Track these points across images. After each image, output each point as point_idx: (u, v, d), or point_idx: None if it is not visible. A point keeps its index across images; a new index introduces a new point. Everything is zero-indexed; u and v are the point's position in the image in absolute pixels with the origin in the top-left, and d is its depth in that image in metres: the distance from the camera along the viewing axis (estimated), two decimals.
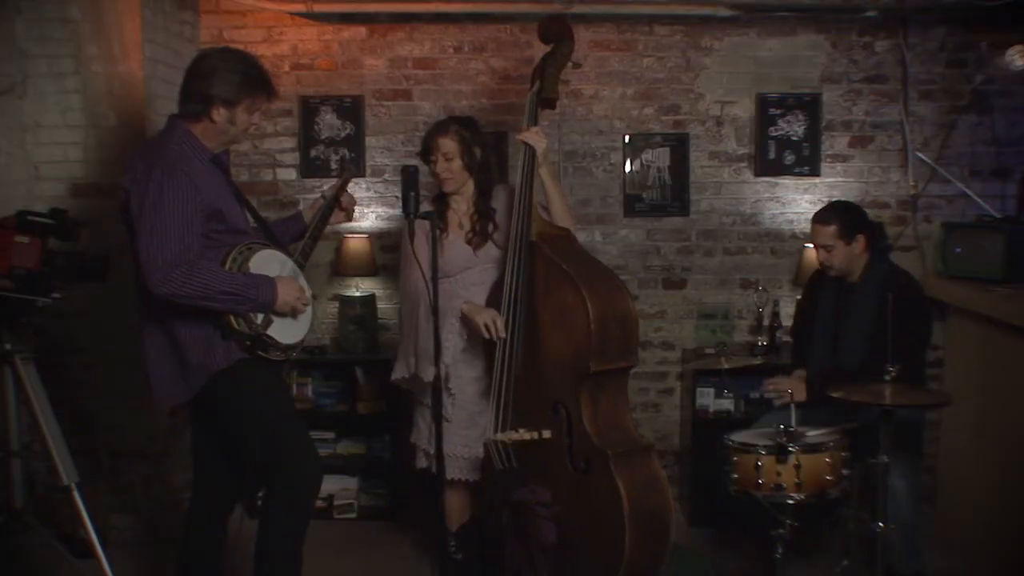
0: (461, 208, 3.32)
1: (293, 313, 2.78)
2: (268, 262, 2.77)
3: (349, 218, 3.16)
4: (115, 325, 3.66)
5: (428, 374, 3.09)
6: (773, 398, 3.41)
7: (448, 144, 3.23)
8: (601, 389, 2.98)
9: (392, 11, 4.28)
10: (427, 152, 3.28)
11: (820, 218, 3.43)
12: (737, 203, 4.39)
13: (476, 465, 3.25)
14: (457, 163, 3.23)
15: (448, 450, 3.20)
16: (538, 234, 3.10)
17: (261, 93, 2.75)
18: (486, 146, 3.35)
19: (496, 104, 4.34)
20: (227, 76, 2.69)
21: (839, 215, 3.42)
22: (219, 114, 2.69)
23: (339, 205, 3.09)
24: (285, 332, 2.77)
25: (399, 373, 3.34)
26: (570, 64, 3.24)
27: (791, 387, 3.32)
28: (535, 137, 3.14)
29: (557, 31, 3.24)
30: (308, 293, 2.85)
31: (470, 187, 3.30)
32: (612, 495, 2.81)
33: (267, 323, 2.70)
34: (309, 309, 2.86)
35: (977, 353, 3.92)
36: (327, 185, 3.27)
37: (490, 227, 3.28)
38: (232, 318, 2.65)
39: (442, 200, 3.32)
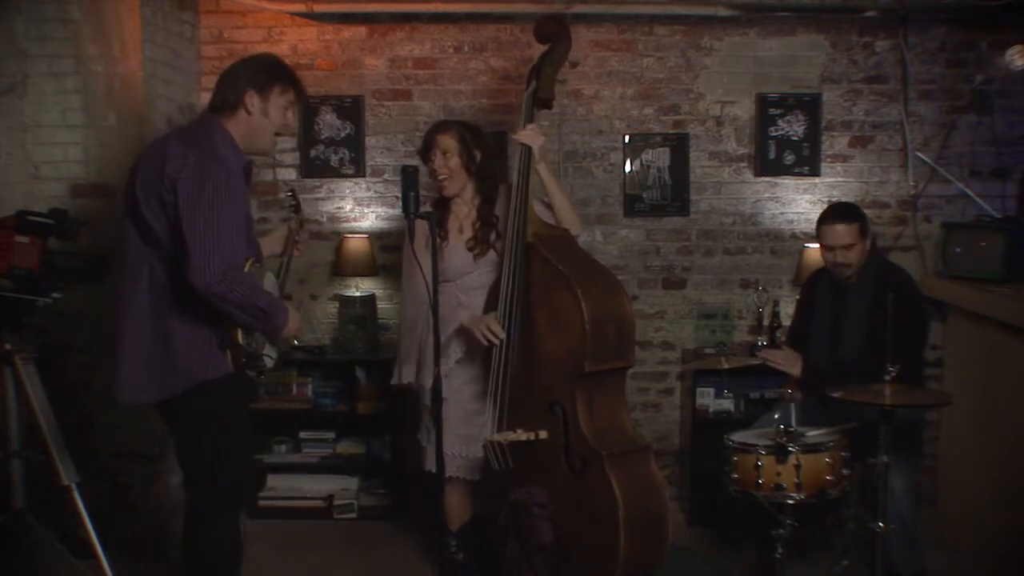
0: (462, 212, 3.31)
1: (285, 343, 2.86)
2: (270, 285, 2.81)
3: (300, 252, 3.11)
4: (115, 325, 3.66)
5: (427, 380, 3.13)
6: (770, 362, 3.38)
7: (447, 141, 3.23)
8: (597, 389, 2.98)
9: (392, 11, 4.28)
10: (426, 150, 3.28)
11: (843, 217, 3.36)
12: (737, 203, 4.39)
13: (475, 464, 3.25)
14: (455, 160, 3.22)
15: (447, 449, 3.20)
16: (534, 235, 3.10)
17: (290, 84, 2.75)
18: (489, 152, 3.34)
19: (496, 104, 4.34)
20: (255, 67, 2.74)
21: (858, 213, 3.41)
22: (252, 103, 2.67)
23: (293, 247, 3.05)
24: (271, 354, 2.79)
25: (406, 378, 3.34)
26: (568, 64, 3.23)
27: (786, 360, 3.33)
28: (531, 136, 3.14)
29: (554, 31, 3.23)
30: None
31: (469, 190, 3.30)
32: (607, 495, 2.81)
33: (263, 342, 2.73)
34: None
35: (977, 353, 3.92)
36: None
37: (492, 236, 3.27)
38: (238, 330, 2.63)
39: (443, 205, 3.32)
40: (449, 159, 3.22)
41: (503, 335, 3.05)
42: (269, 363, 2.80)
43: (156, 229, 2.57)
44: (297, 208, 3.13)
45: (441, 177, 3.24)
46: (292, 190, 3.20)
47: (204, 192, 2.49)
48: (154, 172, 2.56)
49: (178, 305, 2.58)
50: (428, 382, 3.09)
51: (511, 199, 3.13)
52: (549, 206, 3.28)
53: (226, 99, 2.69)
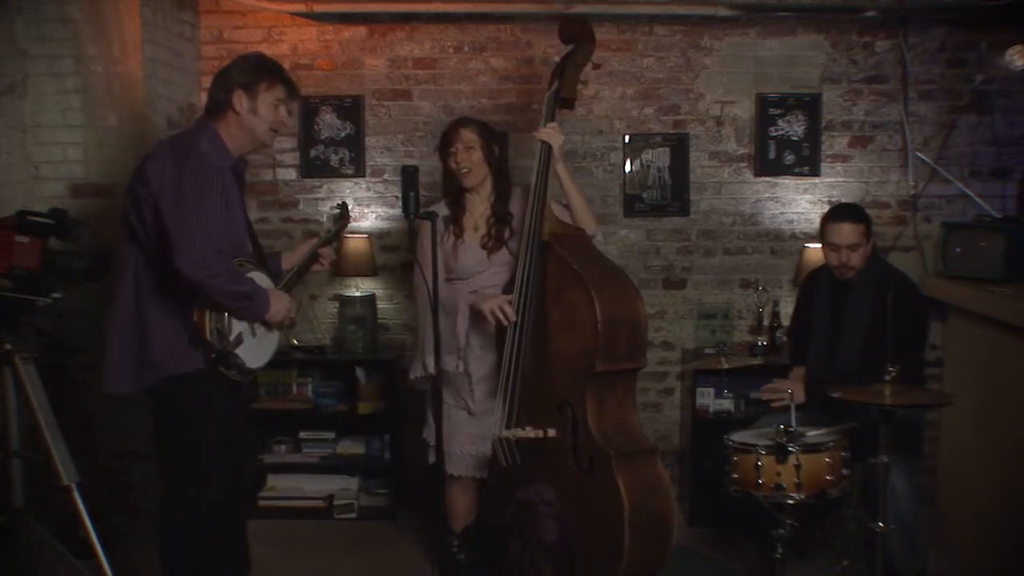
0: (478, 210, 3.33)
1: (279, 327, 2.83)
2: (260, 281, 2.79)
3: (323, 265, 3.17)
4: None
5: (450, 364, 3.19)
6: (771, 400, 3.41)
7: (469, 135, 3.26)
8: (607, 389, 2.98)
9: (392, 11, 4.28)
10: (446, 145, 3.30)
11: (851, 216, 3.36)
12: (737, 203, 4.39)
13: (483, 463, 3.25)
14: (478, 154, 3.25)
15: (455, 447, 3.22)
16: (551, 233, 3.10)
17: (278, 80, 2.78)
18: (503, 149, 3.37)
19: (496, 104, 4.35)
20: (242, 65, 2.79)
21: (865, 214, 3.41)
22: (240, 102, 2.72)
23: (314, 260, 3.09)
24: (251, 355, 2.77)
25: (417, 372, 3.35)
26: (591, 65, 3.24)
27: (789, 388, 3.33)
28: (551, 134, 3.15)
29: (577, 32, 3.25)
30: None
31: (488, 186, 3.32)
32: (613, 495, 2.81)
33: (238, 343, 2.70)
34: (276, 336, 2.89)
35: (977, 353, 3.92)
36: (332, 204, 3.28)
37: (506, 233, 3.28)
38: (206, 327, 2.64)
39: (458, 203, 3.33)
40: (472, 153, 3.25)
41: (515, 317, 3.05)
42: (254, 365, 2.78)
43: (136, 226, 2.68)
44: (341, 227, 3.17)
45: (464, 170, 3.26)
46: (343, 204, 3.21)
47: (182, 185, 2.57)
48: (137, 173, 2.68)
49: (157, 300, 2.66)
50: (451, 365, 3.17)
51: (529, 197, 3.14)
52: (566, 206, 3.29)
53: (217, 101, 2.76)
